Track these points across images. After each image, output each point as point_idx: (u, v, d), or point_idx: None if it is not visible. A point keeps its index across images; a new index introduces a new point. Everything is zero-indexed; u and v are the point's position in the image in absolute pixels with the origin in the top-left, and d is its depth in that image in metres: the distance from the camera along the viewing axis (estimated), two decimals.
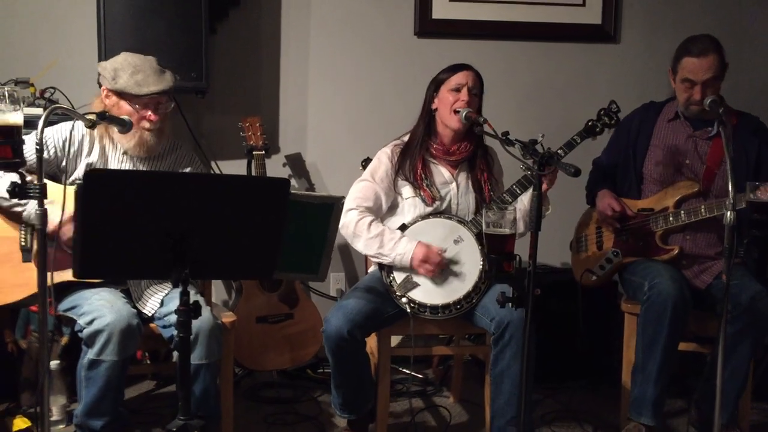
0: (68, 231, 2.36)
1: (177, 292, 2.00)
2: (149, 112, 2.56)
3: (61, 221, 2.33)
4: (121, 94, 2.55)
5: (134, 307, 2.53)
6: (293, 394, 3.31)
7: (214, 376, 2.53)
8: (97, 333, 2.35)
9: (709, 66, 2.80)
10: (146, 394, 3.28)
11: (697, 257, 2.91)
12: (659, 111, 3.04)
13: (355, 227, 2.73)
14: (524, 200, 2.77)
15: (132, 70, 2.54)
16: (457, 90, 2.75)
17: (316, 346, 3.31)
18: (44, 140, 2.23)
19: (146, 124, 2.56)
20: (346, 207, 2.74)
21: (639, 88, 3.73)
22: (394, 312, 2.70)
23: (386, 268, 2.74)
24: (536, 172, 2.17)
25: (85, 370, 2.40)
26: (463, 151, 2.82)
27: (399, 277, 2.71)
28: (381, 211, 2.83)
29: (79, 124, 2.56)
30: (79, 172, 2.58)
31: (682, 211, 2.84)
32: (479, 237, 2.68)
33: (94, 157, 2.61)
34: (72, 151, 2.58)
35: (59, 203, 2.24)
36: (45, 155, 2.27)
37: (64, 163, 2.58)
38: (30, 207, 2.41)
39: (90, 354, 2.37)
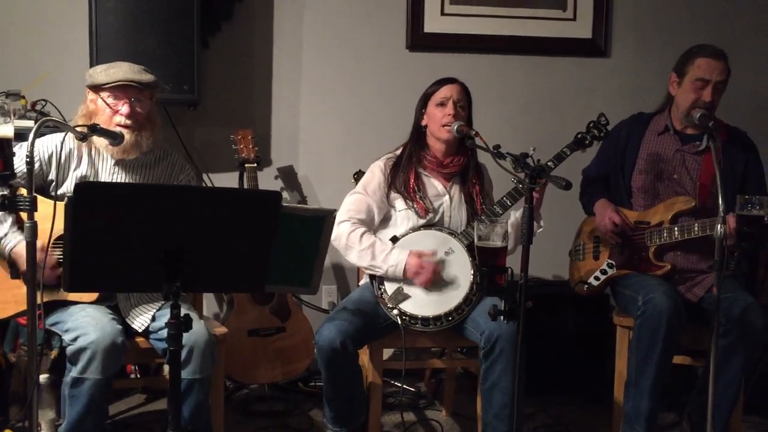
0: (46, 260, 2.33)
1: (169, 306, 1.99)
2: (121, 105, 2.51)
3: (46, 250, 2.30)
4: (96, 89, 2.54)
5: (123, 322, 2.50)
6: (285, 407, 3.29)
7: (206, 391, 2.51)
8: (80, 351, 2.33)
9: (723, 68, 2.83)
10: (136, 408, 3.26)
11: (689, 272, 2.91)
12: (647, 123, 3.05)
13: (347, 239, 2.74)
14: (517, 216, 2.78)
15: (108, 67, 2.55)
16: (443, 104, 2.76)
17: (308, 360, 3.30)
18: (22, 159, 2.21)
19: (119, 119, 2.51)
20: (338, 219, 2.75)
21: (630, 102, 3.74)
22: (385, 324, 2.70)
23: (377, 280, 2.74)
24: (527, 186, 2.18)
25: (68, 388, 2.37)
26: (456, 164, 2.83)
27: (390, 289, 2.71)
28: (374, 224, 2.83)
29: (68, 137, 2.55)
30: (67, 186, 2.56)
31: (676, 228, 2.84)
32: (470, 248, 2.68)
33: (83, 169, 2.59)
34: (60, 164, 2.56)
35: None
36: (20, 178, 2.25)
37: (51, 177, 2.56)
38: (6, 241, 2.42)
39: (73, 372, 2.34)
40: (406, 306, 2.68)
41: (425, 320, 2.67)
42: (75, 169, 2.58)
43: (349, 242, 2.74)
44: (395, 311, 2.67)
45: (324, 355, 2.58)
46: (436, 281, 2.68)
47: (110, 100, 2.53)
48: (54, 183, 2.56)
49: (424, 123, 2.83)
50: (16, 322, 2.90)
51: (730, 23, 3.93)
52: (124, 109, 2.52)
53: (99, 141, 2.54)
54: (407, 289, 2.70)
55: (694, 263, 2.91)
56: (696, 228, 2.79)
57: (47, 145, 2.57)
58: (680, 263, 2.91)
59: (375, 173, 2.84)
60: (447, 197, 2.83)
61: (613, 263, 2.97)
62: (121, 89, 2.52)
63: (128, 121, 2.53)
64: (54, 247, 2.43)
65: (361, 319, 2.64)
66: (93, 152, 2.61)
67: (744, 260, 2.61)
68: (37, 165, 2.52)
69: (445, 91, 2.77)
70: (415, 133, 2.86)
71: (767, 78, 3.87)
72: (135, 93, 2.54)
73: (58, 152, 2.55)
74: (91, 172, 2.60)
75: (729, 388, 2.72)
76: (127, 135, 2.52)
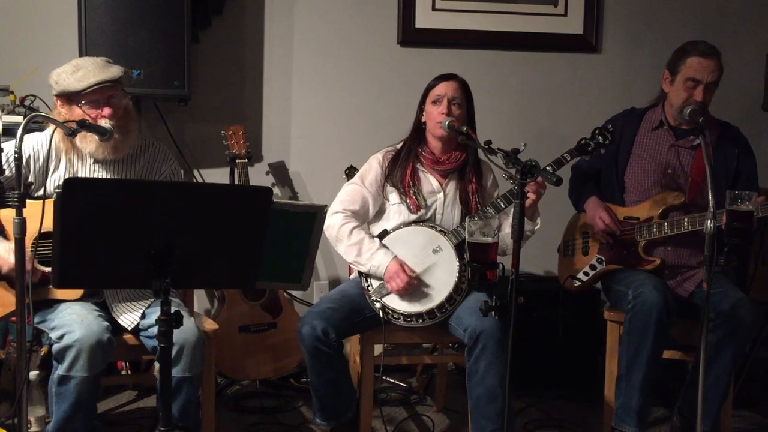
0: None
1: (159, 303, 1.98)
2: (101, 109, 2.45)
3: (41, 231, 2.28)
4: (69, 98, 2.46)
5: (110, 319, 2.49)
6: (276, 403, 3.29)
7: (196, 389, 2.51)
8: (66, 348, 2.31)
9: (714, 67, 2.82)
10: (127, 404, 3.25)
11: (679, 267, 2.92)
12: (641, 118, 3.05)
13: (338, 231, 2.75)
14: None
15: (72, 70, 2.45)
16: (437, 102, 2.75)
17: (299, 356, 3.29)
18: (7, 156, 2.19)
19: (103, 122, 2.44)
20: (332, 209, 2.77)
21: (621, 97, 3.75)
22: (369, 315, 2.71)
23: (364, 273, 2.75)
24: (518, 181, 2.18)
25: (55, 386, 2.35)
26: (452, 161, 2.82)
27: (375, 282, 2.73)
28: (368, 216, 2.84)
29: (45, 139, 2.51)
30: (47, 188, 2.49)
31: (666, 223, 2.85)
32: (458, 248, 2.68)
33: (62, 171, 2.54)
34: (38, 166, 2.51)
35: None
36: (8, 174, 2.23)
37: (30, 179, 2.51)
38: None
39: (60, 370, 2.33)
40: (390, 301, 2.69)
41: (407, 316, 2.67)
42: (53, 172, 2.54)
43: (339, 235, 2.75)
44: (378, 305, 2.68)
45: (307, 342, 2.59)
46: (408, 293, 2.68)
47: (88, 108, 2.45)
48: (33, 185, 2.51)
49: (423, 119, 2.83)
50: (6, 320, 2.89)
51: (721, 18, 3.94)
52: (106, 111, 2.46)
53: (86, 144, 2.49)
54: None
55: (684, 258, 2.92)
56: (686, 223, 2.80)
57: (26, 145, 2.50)
58: (670, 258, 2.91)
59: (372, 165, 2.84)
60: (441, 194, 2.83)
61: (603, 258, 2.98)
62: (97, 92, 2.44)
63: (112, 122, 2.46)
64: (38, 248, 2.40)
65: (345, 309, 2.66)
66: (72, 153, 2.55)
67: (733, 255, 2.62)
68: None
69: (440, 89, 2.77)
70: (416, 129, 2.86)
71: (759, 72, 3.88)
72: (110, 91, 2.47)
73: (36, 154, 2.51)
74: (70, 173, 2.55)
75: (719, 383, 2.73)
76: (116, 135, 2.47)
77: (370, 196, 2.81)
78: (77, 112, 2.46)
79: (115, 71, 2.48)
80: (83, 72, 2.45)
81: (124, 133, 2.52)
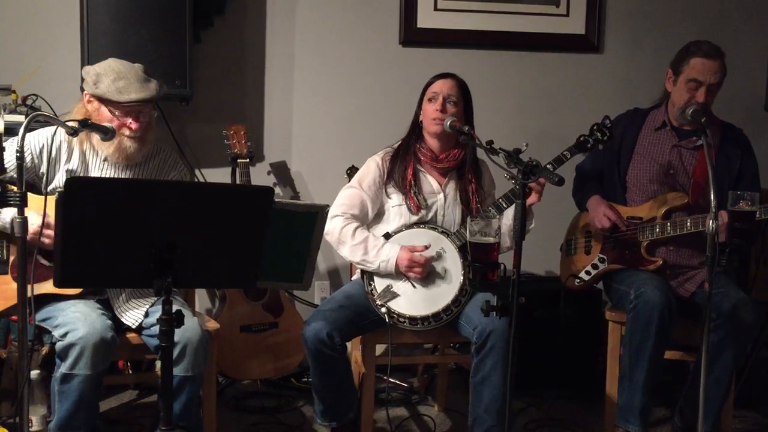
0: (48, 237, 2.32)
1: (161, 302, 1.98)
2: (130, 120, 2.50)
3: (42, 225, 2.27)
4: (102, 100, 2.50)
5: (113, 318, 2.49)
6: (277, 403, 3.29)
7: (198, 388, 2.51)
8: (70, 346, 2.32)
9: (717, 69, 2.81)
10: (128, 403, 3.25)
11: (680, 267, 2.92)
12: (644, 119, 3.05)
13: (340, 234, 2.74)
14: (509, 215, 2.76)
15: (114, 77, 2.48)
16: (433, 99, 2.76)
17: (301, 355, 3.30)
18: (10, 154, 2.20)
19: (126, 132, 2.51)
20: (331, 213, 2.75)
21: (622, 97, 3.75)
22: (374, 318, 2.71)
23: (367, 276, 2.74)
24: (520, 181, 2.18)
25: (58, 384, 2.36)
26: (451, 159, 2.82)
27: (380, 286, 2.71)
28: (367, 219, 2.83)
29: (59, 130, 2.53)
30: (58, 180, 2.54)
31: (669, 224, 2.85)
32: (462, 250, 2.68)
33: (74, 164, 2.57)
34: (51, 157, 2.54)
35: (37, 210, 2.22)
36: (10, 172, 2.25)
37: (42, 170, 2.54)
38: (5, 215, 2.39)
39: (63, 368, 2.34)
40: (395, 304, 2.68)
41: (413, 320, 2.67)
42: (66, 163, 2.57)
43: (341, 237, 2.74)
44: (383, 309, 2.67)
45: (311, 345, 2.59)
46: (429, 274, 2.67)
47: (117, 113, 2.50)
48: (45, 177, 2.54)
49: (421, 119, 2.83)
50: (7, 318, 2.89)
51: (722, 18, 3.94)
52: (134, 125, 2.51)
53: (99, 144, 2.53)
54: (396, 288, 2.70)
55: (686, 259, 2.92)
56: (689, 223, 2.79)
57: (38, 138, 2.55)
58: (672, 259, 2.91)
59: (371, 168, 2.83)
60: (441, 195, 2.83)
61: (605, 258, 2.98)
62: (130, 106, 2.49)
63: (137, 134, 2.52)
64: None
65: (350, 312, 2.65)
66: (85, 147, 2.59)
67: (735, 256, 2.62)
68: (29, 158, 2.51)
69: (436, 86, 2.77)
70: (413, 126, 2.86)
71: (760, 73, 3.88)
72: (144, 107, 2.53)
73: (49, 145, 2.54)
74: (81, 167, 2.58)
75: (720, 383, 2.73)
76: (133, 143, 2.52)
77: (369, 199, 2.80)
78: (105, 116, 2.50)
79: (153, 89, 2.52)
80: (125, 83, 2.48)
81: (140, 143, 2.55)
